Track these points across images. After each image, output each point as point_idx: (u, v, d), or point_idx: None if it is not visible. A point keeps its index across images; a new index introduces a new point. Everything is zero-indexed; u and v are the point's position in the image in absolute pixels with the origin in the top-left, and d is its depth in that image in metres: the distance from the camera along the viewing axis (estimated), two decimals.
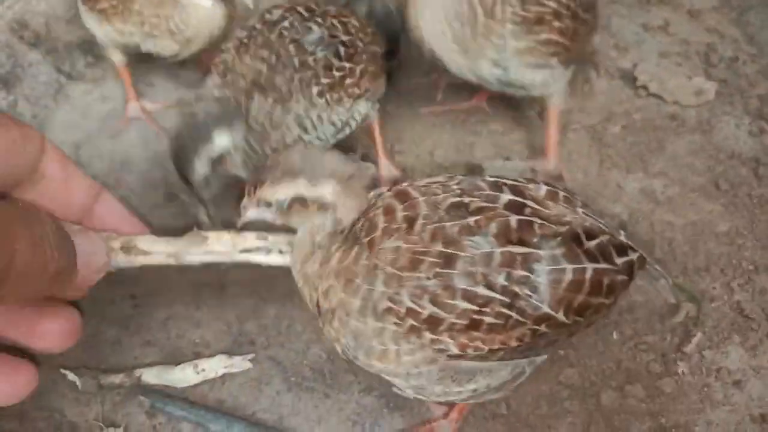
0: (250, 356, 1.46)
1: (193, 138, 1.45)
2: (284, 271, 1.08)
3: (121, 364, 1.47)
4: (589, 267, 0.96)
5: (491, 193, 0.99)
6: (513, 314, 0.93)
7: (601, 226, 1.03)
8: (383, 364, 1.01)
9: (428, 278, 0.92)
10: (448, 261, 0.92)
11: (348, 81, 1.54)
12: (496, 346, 0.96)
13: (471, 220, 0.94)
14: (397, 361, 0.99)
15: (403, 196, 1.00)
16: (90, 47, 2.07)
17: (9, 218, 0.73)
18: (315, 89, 1.50)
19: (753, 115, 1.94)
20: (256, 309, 1.56)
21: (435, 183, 1.02)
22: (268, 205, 1.02)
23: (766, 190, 1.77)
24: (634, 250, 1.05)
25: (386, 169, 1.80)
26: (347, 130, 1.63)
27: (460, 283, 0.91)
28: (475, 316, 0.92)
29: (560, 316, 0.96)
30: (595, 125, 1.94)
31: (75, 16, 2.07)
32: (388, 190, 1.04)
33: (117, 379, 1.43)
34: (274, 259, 1.05)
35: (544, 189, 1.02)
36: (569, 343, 1.49)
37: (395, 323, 0.94)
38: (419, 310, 0.92)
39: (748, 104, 1.97)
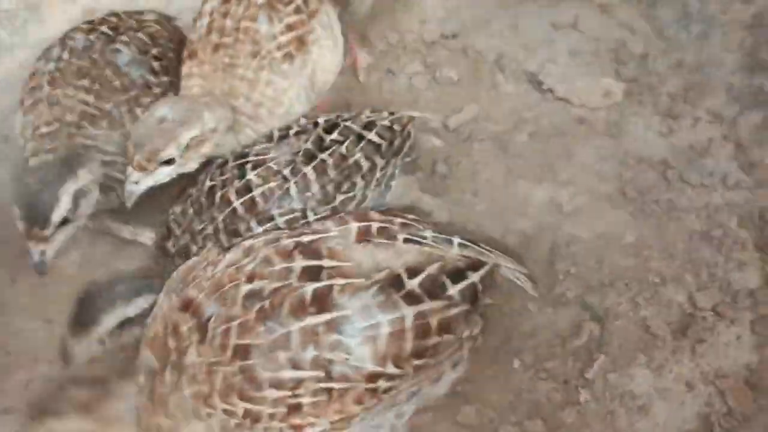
0: None
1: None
2: None
3: None
4: (409, 313, 0.90)
5: (283, 266, 0.92)
6: (334, 385, 0.86)
7: (428, 252, 0.96)
8: None
9: (233, 374, 0.84)
10: (245, 353, 0.83)
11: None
12: (336, 417, 0.88)
13: (266, 304, 0.86)
14: None
15: (186, 305, 0.94)
16: None
17: None
18: (139, 110, 1.48)
19: (662, 114, 1.88)
20: None
21: (228, 266, 0.95)
22: None
23: (673, 194, 1.72)
24: (477, 267, 0.98)
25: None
26: None
27: (264, 373, 0.83)
28: (292, 401, 0.84)
29: (391, 369, 0.89)
30: (502, 134, 1.86)
31: None
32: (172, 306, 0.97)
33: None
34: None
35: (353, 231, 0.94)
36: (466, 379, 1.41)
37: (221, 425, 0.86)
38: (232, 408, 0.83)
39: (658, 102, 1.91)
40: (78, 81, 1.48)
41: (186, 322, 0.92)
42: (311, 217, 1.34)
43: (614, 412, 1.40)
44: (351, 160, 1.39)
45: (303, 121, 1.49)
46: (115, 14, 1.70)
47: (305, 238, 0.97)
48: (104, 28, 1.60)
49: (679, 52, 1.99)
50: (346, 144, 1.40)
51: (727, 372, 1.45)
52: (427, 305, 0.92)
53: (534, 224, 1.69)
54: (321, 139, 1.41)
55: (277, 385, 0.85)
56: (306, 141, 1.41)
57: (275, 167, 1.37)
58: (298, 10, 1.53)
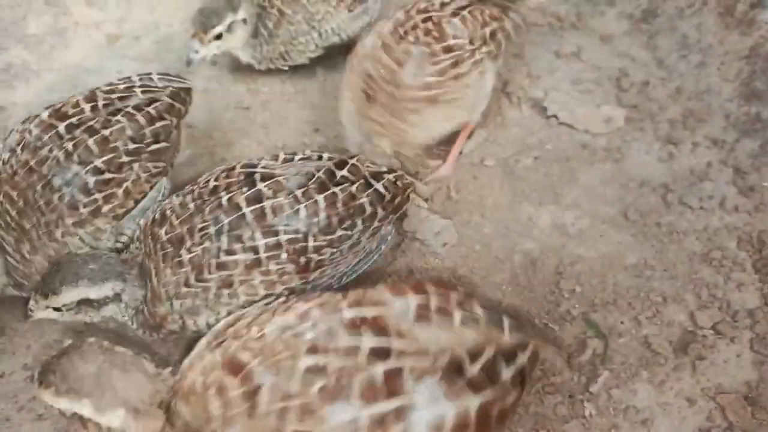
0: None
1: None
2: None
3: None
4: (473, 404, 0.90)
5: (350, 343, 0.91)
6: None
7: (484, 333, 0.96)
8: None
9: None
10: None
11: (105, 208, 1.49)
12: None
13: (329, 382, 0.86)
14: None
15: (235, 369, 0.91)
16: None
17: None
18: (59, 232, 1.46)
19: (662, 140, 1.95)
20: None
21: (281, 331, 0.93)
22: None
23: (673, 217, 1.78)
24: (524, 347, 0.99)
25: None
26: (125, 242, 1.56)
27: None
28: None
29: None
30: (508, 158, 1.93)
31: None
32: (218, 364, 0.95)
33: None
34: None
35: (413, 307, 0.95)
36: None
37: None
38: None
39: (658, 129, 1.98)
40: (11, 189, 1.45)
41: (234, 388, 0.89)
42: (311, 242, 1.38)
43: (618, 425, 1.45)
44: (358, 202, 1.44)
45: (308, 151, 1.56)
46: (110, 90, 1.59)
47: (368, 312, 0.95)
48: (61, 128, 1.49)
49: (678, 81, 2.07)
50: (356, 185, 1.45)
51: (727, 388, 1.50)
52: (490, 394, 0.92)
53: (539, 245, 1.75)
54: (332, 173, 1.45)
55: None
56: (317, 170, 1.45)
57: (286, 184, 1.42)
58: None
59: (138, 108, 1.56)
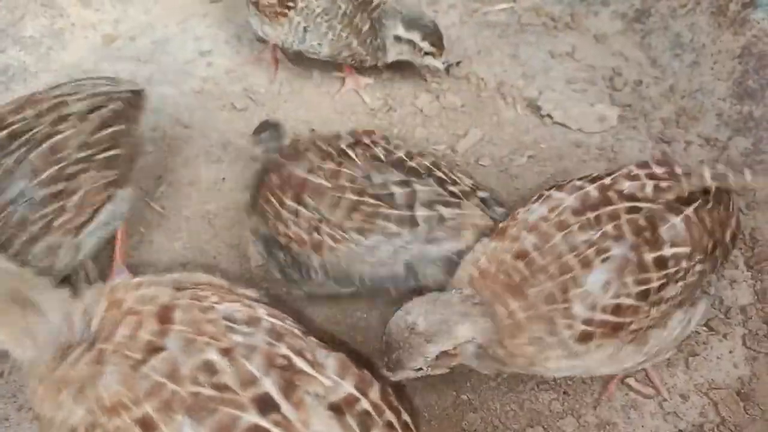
0: None
1: None
2: None
3: None
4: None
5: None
6: None
7: None
8: None
9: None
10: None
11: (56, 223, 1.39)
12: None
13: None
14: None
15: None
16: None
17: None
18: (10, 251, 1.34)
19: (656, 139, 1.97)
20: None
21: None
22: None
23: None
24: None
25: None
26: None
27: None
28: None
29: None
30: (503, 157, 1.95)
31: None
32: None
33: None
34: None
35: None
36: (471, 389, 1.48)
37: None
38: None
39: (652, 127, 2.00)
40: None
41: None
42: None
43: (612, 422, 1.46)
44: None
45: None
46: (55, 95, 1.49)
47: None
48: (2, 136, 1.38)
49: (671, 80, 2.09)
50: None
51: (720, 384, 1.51)
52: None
53: None
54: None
55: None
56: None
57: None
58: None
59: (83, 114, 1.46)
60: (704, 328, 1.59)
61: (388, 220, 1.42)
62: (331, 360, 1.06)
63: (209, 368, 0.99)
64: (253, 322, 1.07)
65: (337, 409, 1.01)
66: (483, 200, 1.48)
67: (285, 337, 1.07)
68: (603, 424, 1.46)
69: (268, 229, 1.52)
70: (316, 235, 1.45)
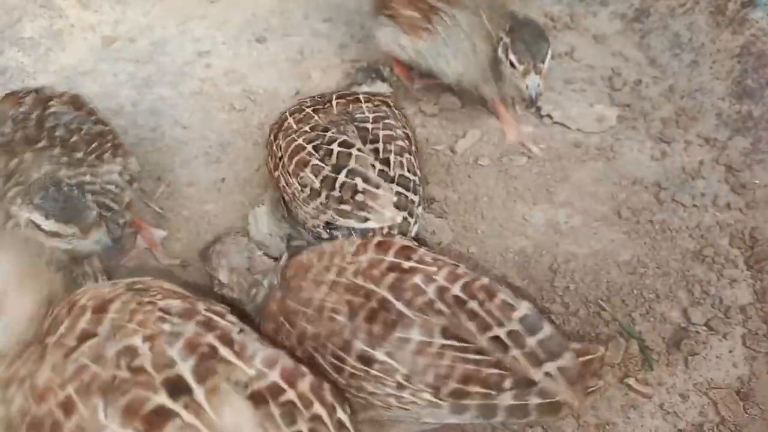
0: None
1: None
2: None
3: None
4: None
5: None
6: None
7: None
8: None
9: None
10: None
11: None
12: None
13: None
14: None
15: None
16: None
17: None
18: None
19: (655, 139, 1.96)
20: None
21: None
22: None
23: (666, 215, 1.79)
24: None
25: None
26: None
27: None
28: None
29: None
30: (502, 157, 1.94)
31: None
32: None
33: None
34: None
35: None
36: None
37: None
38: None
39: (651, 127, 1.99)
40: (34, 145, 1.44)
41: None
42: None
43: (612, 422, 1.46)
44: None
45: None
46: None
47: None
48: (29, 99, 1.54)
49: (671, 80, 2.08)
50: None
51: (719, 383, 1.51)
52: None
53: (533, 243, 1.76)
54: None
55: None
56: None
57: None
58: None
59: None
60: (704, 328, 1.59)
61: (315, 174, 1.47)
62: (262, 353, 1.07)
63: (131, 352, 1.01)
64: (188, 314, 1.08)
65: (260, 398, 1.01)
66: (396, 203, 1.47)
67: (218, 330, 1.07)
68: (602, 424, 1.45)
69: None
70: (276, 173, 1.60)
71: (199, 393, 0.98)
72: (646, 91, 2.08)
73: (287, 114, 1.67)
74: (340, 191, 1.45)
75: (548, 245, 1.75)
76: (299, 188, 1.51)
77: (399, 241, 1.30)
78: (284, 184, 1.57)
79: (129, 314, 1.06)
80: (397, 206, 1.45)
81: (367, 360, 1.17)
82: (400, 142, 1.56)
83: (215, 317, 1.10)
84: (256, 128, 2.06)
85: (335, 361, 1.19)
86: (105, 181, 1.46)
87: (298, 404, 1.03)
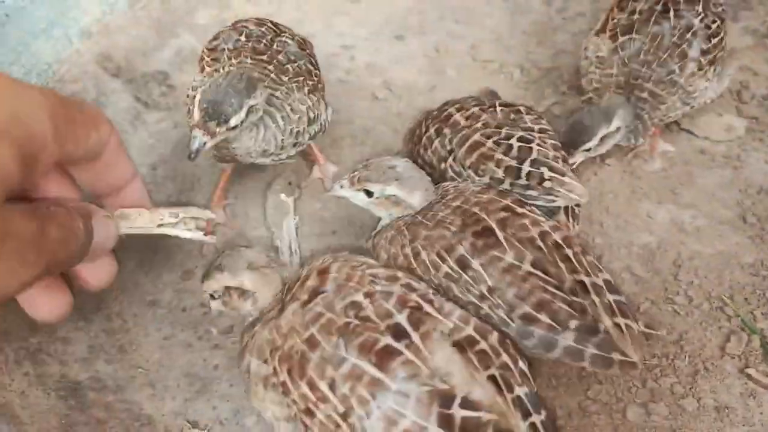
0: None
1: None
2: None
3: None
4: None
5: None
6: None
7: None
8: None
9: None
10: None
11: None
12: None
13: None
14: None
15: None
16: (164, 78, 2.30)
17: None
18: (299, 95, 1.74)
19: None
20: None
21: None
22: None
23: None
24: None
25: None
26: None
27: None
28: None
29: None
30: (630, 158, 2.06)
31: (151, 49, 2.32)
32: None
33: None
34: (184, 233, 1.32)
35: None
36: None
37: None
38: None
39: None
40: (258, 56, 1.72)
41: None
42: None
43: (731, 406, 1.55)
44: None
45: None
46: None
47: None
48: (269, 24, 1.86)
49: None
50: None
51: None
52: None
53: (658, 239, 1.87)
54: None
55: None
56: None
57: None
58: None
59: None
60: None
61: (498, 165, 1.60)
62: (457, 312, 1.30)
63: (356, 306, 1.26)
64: (392, 279, 1.34)
65: (460, 347, 1.23)
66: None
67: (419, 291, 1.32)
68: (722, 407, 1.55)
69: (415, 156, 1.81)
70: (443, 165, 1.69)
71: (415, 337, 1.22)
72: None
73: (452, 110, 1.75)
74: (526, 179, 1.56)
75: (673, 242, 1.85)
76: (476, 180, 1.62)
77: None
78: (452, 175, 1.67)
79: (346, 276, 1.33)
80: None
81: (463, 265, 1.39)
82: (559, 153, 1.68)
83: (413, 282, 1.35)
84: (395, 117, 2.25)
85: (437, 259, 1.41)
86: (292, 108, 1.70)
87: (490, 353, 1.25)
